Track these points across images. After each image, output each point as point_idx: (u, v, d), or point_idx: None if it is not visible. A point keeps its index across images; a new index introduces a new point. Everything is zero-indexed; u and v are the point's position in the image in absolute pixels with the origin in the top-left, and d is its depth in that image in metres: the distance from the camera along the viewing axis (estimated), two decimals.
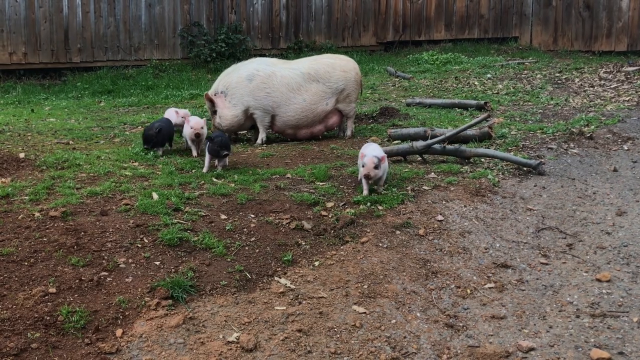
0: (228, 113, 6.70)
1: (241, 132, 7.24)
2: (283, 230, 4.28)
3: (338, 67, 6.90)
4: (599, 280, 3.93)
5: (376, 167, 4.66)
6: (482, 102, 8.02)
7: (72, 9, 10.96)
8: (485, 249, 4.33)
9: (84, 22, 11.06)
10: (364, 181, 4.83)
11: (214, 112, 6.78)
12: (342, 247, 4.14)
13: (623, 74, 9.68)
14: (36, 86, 10.46)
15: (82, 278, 3.60)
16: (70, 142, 6.42)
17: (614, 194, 5.19)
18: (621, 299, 3.72)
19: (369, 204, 4.65)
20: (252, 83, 6.66)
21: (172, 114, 6.62)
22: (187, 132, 5.93)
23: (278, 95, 6.66)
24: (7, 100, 9.29)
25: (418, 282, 3.89)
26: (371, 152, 4.81)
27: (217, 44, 11.56)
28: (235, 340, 3.26)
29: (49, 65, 10.94)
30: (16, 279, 3.55)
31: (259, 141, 6.82)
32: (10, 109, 8.63)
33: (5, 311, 3.31)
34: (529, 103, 8.30)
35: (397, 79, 10.46)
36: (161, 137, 5.89)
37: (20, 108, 8.70)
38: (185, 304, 3.52)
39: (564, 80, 9.59)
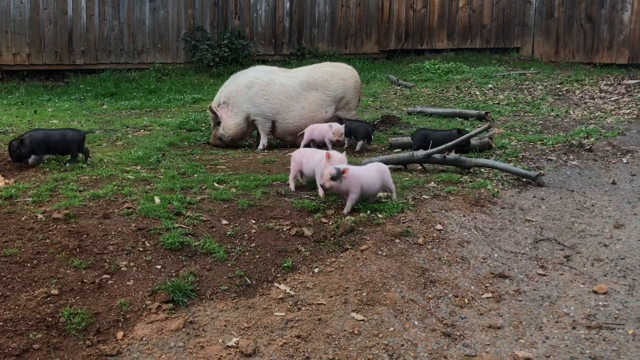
0: (231, 122, 6.78)
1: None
2: (283, 237, 4.32)
3: (337, 75, 6.97)
4: (595, 292, 3.97)
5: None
6: (483, 112, 8.07)
7: (76, 12, 11.02)
8: (484, 259, 4.36)
9: (88, 25, 11.12)
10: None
11: (217, 124, 6.85)
12: (341, 255, 4.17)
13: (623, 86, 9.74)
14: (39, 87, 10.50)
15: (84, 280, 3.63)
16: None
17: (612, 206, 5.23)
18: (617, 312, 3.76)
19: (369, 212, 4.69)
20: (251, 90, 6.74)
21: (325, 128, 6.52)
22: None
23: (277, 102, 6.73)
24: (11, 100, 9.34)
25: (416, 290, 3.92)
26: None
27: (220, 49, 11.62)
28: (234, 344, 3.30)
29: (53, 66, 10.99)
30: (19, 280, 3.58)
31: (260, 147, 6.87)
32: (14, 109, 8.67)
33: (7, 312, 3.35)
34: (530, 114, 8.35)
35: (398, 87, 10.51)
36: (25, 149, 5.35)
37: (24, 109, 8.74)
38: (186, 308, 3.55)
39: (564, 92, 9.65)
